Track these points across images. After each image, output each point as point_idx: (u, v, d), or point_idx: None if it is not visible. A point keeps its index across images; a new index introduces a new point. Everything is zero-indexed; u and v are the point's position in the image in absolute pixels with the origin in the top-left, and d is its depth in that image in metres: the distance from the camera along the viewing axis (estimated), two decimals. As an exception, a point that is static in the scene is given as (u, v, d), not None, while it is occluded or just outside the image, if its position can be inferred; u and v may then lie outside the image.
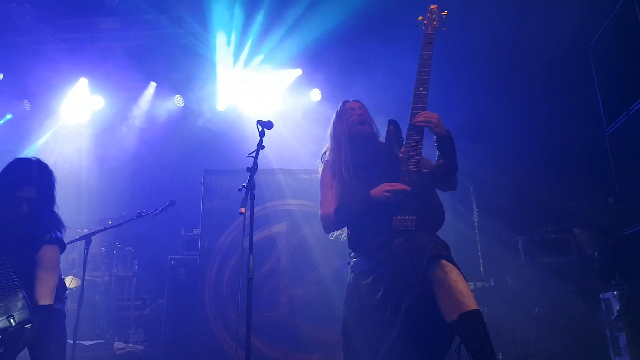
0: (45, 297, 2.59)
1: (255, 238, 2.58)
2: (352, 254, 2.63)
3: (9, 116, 6.23)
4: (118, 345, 4.41)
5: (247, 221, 2.48)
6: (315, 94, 5.93)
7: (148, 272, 5.37)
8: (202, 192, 4.61)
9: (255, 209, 2.57)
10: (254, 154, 2.54)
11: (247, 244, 2.47)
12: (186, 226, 5.09)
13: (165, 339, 4.33)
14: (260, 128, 2.58)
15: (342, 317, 2.61)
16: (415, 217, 2.41)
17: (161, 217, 4.73)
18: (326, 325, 4.03)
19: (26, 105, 6.16)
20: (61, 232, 2.73)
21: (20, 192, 2.54)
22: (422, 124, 2.46)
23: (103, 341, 4.59)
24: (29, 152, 6.06)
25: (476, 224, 4.96)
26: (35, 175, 2.59)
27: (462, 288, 2.18)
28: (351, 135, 2.73)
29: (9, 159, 5.75)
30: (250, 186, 2.44)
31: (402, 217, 2.41)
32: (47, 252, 2.62)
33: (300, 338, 4.02)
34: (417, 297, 2.27)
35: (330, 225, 2.63)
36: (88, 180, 5.92)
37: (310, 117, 5.75)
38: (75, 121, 6.15)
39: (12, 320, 2.41)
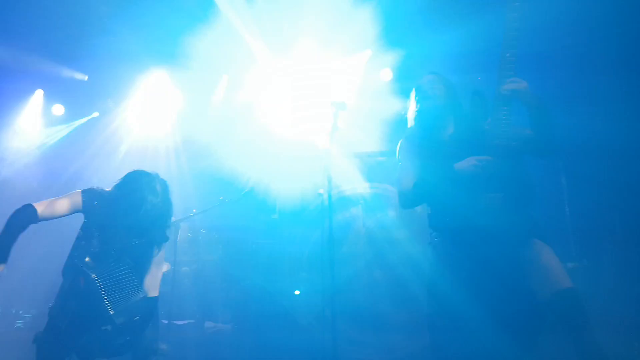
0: (154, 290, 2.90)
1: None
2: (433, 233, 2.57)
3: (95, 114, 6.73)
4: (208, 324, 4.70)
5: (326, 203, 2.51)
6: (386, 74, 5.82)
7: (232, 256, 5.63)
8: (277, 179, 4.73)
9: (333, 192, 2.58)
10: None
11: (326, 225, 2.50)
12: (264, 211, 5.25)
13: (250, 318, 4.54)
14: (334, 109, 2.59)
15: (427, 298, 2.58)
16: (502, 195, 2.31)
17: (241, 203, 4.94)
18: (408, 307, 4.01)
19: (110, 103, 6.62)
20: None
21: (145, 204, 2.75)
22: (511, 92, 2.30)
23: (194, 321, 4.91)
24: (121, 150, 6.53)
25: (566, 200, 4.63)
26: (159, 188, 2.82)
27: (554, 266, 2.08)
28: (419, 111, 2.66)
29: (101, 156, 6.20)
30: (328, 167, 2.46)
31: (489, 194, 2.31)
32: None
33: (382, 320, 4.04)
34: (505, 278, 2.19)
35: (408, 201, 2.58)
36: (170, 172, 6.27)
37: (382, 98, 5.66)
38: (157, 116, 6.51)
39: (137, 319, 2.73)
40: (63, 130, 6.69)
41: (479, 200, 2.32)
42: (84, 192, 2.81)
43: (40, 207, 2.70)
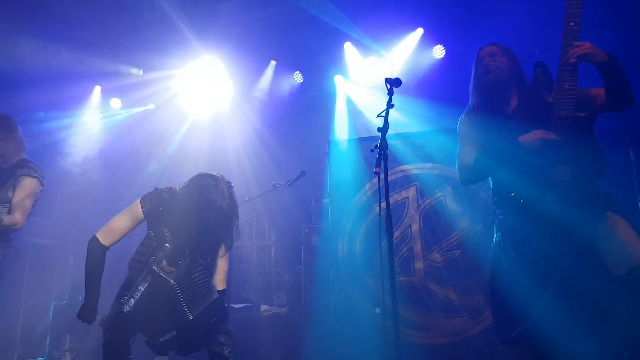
0: (222, 283, 2.98)
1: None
2: (497, 210, 2.51)
3: (151, 106, 7.00)
4: (264, 307, 4.83)
5: (382, 182, 2.48)
6: (439, 51, 5.69)
7: (284, 241, 5.74)
8: (328, 162, 4.74)
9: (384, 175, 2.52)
10: (383, 114, 2.52)
11: (384, 205, 2.47)
12: (315, 196, 5.30)
13: (305, 302, 4.62)
14: (388, 86, 2.55)
15: (489, 277, 2.54)
16: (570, 167, 2.22)
17: (292, 189, 5.00)
18: (467, 290, 3.94)
19: (164, 95, 6.87)
20: None
21: (216, 208, 2.73)
22: (578, 59, 2.21)
23: (250, 304, 5.06)
24: (175, 138, 6.78)
25: (635, 176, 4.36)
26: (225, 191, 2.81)
27: (631, 240, 1.99)
28: (480, 85, 2.59)
29: (151, 146, 6.42)
30: (383, 146, 2.43)
31: (557, 168, 2.23)
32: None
33: (439, 303, 3.98)
34: (575, 254, 2.11)
35: (469, 177, 2.53)
36: (226, 160, 6.44)
37: (434, 75, 5.55)
38: (210, 102, 6.65)
39: (214, 320, 2.80)
40: (119, 116, 6.97)
41: (545, 174, 2.24)
42: (143, 200, 2.81)
43: (105, 236, 2.76)
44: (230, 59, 6.19)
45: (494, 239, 2.51)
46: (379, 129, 2.46)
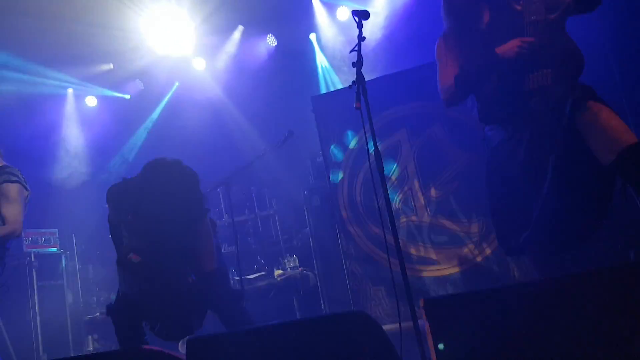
0: (208, 262, 2.85)
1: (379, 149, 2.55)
2: (486, 127, 2.56)
3: (127, 96, 7.01)
4: (278, 272, 4.96)
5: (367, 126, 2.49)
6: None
7: (287, 206, 5.82)
8: (315, 119, 4.76)
9: (372, 120, 2.51)
10: (356, 48, 2.53)
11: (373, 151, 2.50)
12: (310, 156, 5.34)
13: (318, 262, 4.74)
14: (357, 19, 2.55)
15: (488, 196, 2.61)
16: (550, 70, 2.26)
17: (286, 153, 5.03)
18: (470, 218, 4.05)
19: (139, 84, 6.86)
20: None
21: (168, 197, 2.65)
22: None
23: (264, 272, 5.18)
24: (153, 116, 6.89)
25: (622, 95, 4.36)
26: (180, 178, 2.74)
27: (616, 125, 2.04)
28: (451, 5, 2.60)
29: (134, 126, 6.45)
30: (361, 80, 2.45)
31: (537, 73, 2.28)
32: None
33: (446, 235, 4.10)
34: (564, 150, 2.18)
35: (451, 96, 2.57)
36: (211, 133, 6.47)
37: (405, 15, 5.52)
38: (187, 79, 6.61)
39: (198, 301, 2.81)
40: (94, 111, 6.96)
41: (527, 81, 2.29)
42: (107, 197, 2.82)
43: None
44: (199, 25, 6.09)
45: (486, 156, 2.58)
46: (353, 64, 2.48)
